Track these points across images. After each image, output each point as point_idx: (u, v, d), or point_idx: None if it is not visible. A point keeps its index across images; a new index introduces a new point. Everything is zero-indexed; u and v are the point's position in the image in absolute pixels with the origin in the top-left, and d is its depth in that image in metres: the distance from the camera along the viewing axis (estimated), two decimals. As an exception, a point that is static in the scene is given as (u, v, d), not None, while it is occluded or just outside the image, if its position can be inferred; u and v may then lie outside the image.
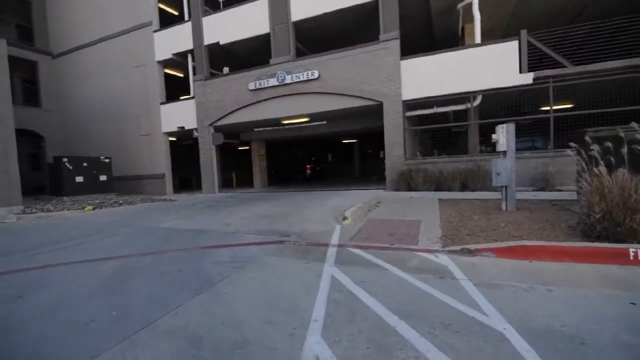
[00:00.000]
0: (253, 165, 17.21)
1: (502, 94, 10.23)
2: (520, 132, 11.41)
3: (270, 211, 8.29)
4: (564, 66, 9.39)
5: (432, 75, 10.62)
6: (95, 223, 8.20)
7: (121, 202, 11.53)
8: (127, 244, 5.78)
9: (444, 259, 4.08)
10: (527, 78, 9.65)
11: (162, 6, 16.42)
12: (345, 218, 6.44)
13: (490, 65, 9.99)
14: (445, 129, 11.47)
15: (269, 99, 13.01)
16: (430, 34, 13.90)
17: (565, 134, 10.04)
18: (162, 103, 15.59)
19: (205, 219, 7.75)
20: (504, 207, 6.56)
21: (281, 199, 10.90)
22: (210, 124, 14.33)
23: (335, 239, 5.24)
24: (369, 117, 13.33)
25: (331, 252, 4.61)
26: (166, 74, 16.42)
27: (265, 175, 17.71)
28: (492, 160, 6.65)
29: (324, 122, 12.62)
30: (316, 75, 11.92)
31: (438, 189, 10.26)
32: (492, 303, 2.90)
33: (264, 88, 12.92)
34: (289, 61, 12.51)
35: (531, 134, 10.83)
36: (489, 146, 10.78)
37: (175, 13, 16.80)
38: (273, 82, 12.67)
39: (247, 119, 13.55)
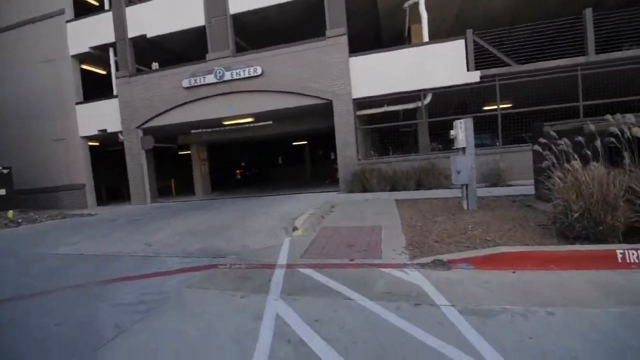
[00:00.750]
0: (193, 171, 15.53)
1: (451, 92, 10.09)
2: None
3: (206, 223, 7.04)
4: (509, 65, 9.48)
5: (383, 73, 10.16)
6: (-30, 253, 6.27)
7: (20, 220, 9.33)
8: (1, 281, 4.24)
9: (415, 276, 3.32)
10: (475, 76, 9.60)
11: (77, -7, 14.16)
12: (295, 228, 5.49)
13: (439, 64, 9.79)
14: (396, 128, 11.10)
15: (206, 97, 11.63)
16: (377, 35, 13.60)
17: (512, 131, 10.19)
18: (78, 103, 13.33)
19: (121, 238, 6.27)
20: (465, 206, 6.11)
21: (223, 206, 9.62)
22: (139, 126, 12.49)
23: (283, 257, 4.26)
24: (319, 117, 12.58)
25: (278, 276, 3.63)
26: (84, 71, 14.15)
27: (208, 181, 16.10)
28: (452, 158, 6.18)
29: (270, 122, 11.59)
30: (259, 71, 10.86)
31: (393, 189, 9.79)
32: (491, 341, 2.15)
33: (201, 85, 11.52)
34: (228, 56, 11.29)
35: (479, 132, 10.89)
36: (440, 144, 10.63)
37: (96, 3, 14.57)
38: (210, 78, 11.34)
39: (182, 120, 12.01)
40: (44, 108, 13.64)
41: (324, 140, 19.26)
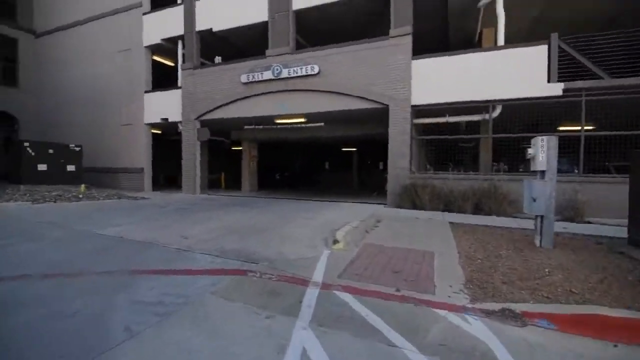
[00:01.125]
0: (242, 167, 15.78)
1: (525, 106, 8.92)
2: None
3: (247, 222, 6.84)
4: (600, 78, 8.12)
5: (447, 79, 9.31)
6: (25, 221, 6.71)
7: (81, 196, 10.02)
8: (39, 256, 4.31)
9: (479, 328, 2.65)
10: (556, 89, 8.37)
11: (156, -12, 15.15)
12: (336, 241, 5.00)
13: (514, 72, 8.71)
14: (455, 142, 10.11)
15: (262, 94, 11.66)
16: (444, 38, 12.67)
17: (596, 157, 8.74)
18: (146, 91, 14.20)
19: (163, 226, 6.27)
20: (538, 242, 5.16)
21: (267, 206, 9.46)
22: (197, 118, 12.92)
23: (319, 273, 3.80)
24: (372, 123, 12.03)
25: (310, 296, 3.18)
26: (155, 62, 15.08)
27: (256, 179, 16.27)
28: (526, 182, 5.27)
29: (322, 124, 11.29)
30: (316, 70, 10.59)
31: (447, 209, 8.88)
32: None
33: (258, 81, 11.57)
34: (287, 53, 11.19)
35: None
36: (506, 164, 9.47)
37: (171, -3, 15.49)
38: (268, 75, 11.33)
39: (237, 115, 12.17)
40: (116, 94, 14.76)
41: (375, 148, 18.57)
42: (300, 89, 11.02)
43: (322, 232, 5.89)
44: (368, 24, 11.60)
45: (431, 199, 9.00)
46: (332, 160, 24.68)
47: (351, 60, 10.27)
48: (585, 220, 7.80)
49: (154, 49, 14.40)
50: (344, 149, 21.74)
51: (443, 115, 9.83)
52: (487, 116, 9.29)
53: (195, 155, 12.98)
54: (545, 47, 8.42)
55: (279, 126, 12.17)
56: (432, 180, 9.34)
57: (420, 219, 7.58)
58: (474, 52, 9.21)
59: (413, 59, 9.63)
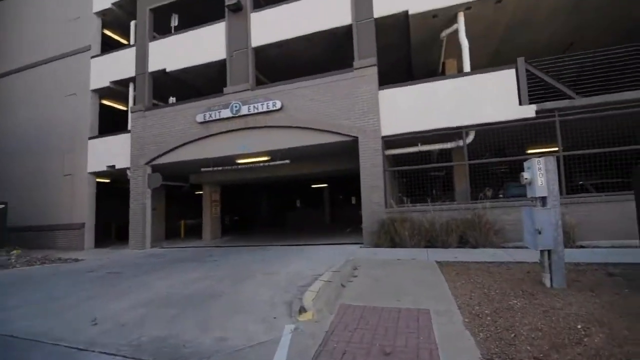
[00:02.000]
0: (203, 213, 14.33)
1: (499, 130, 8.55)
2: (513, 177, 9.70)
3: (191, 286, 5.48)
4: (571, 97, 7.95)
5: (416, 108, 8.87)
6: None
7: (-5, 265, 8.17)
8: None
9: None
10: (529, 111, 8.08)
11: (107, 32, 14.39)
12: (303, 310, 3.80)
13: (485, 97, 8.42)
14: (428, 172, 9.49)
15: (220, 133, 10.71)
16: (408, 71, 12.60)
17: (576, 177, 8.37)
18: (91, 137, 12.82)
19: (71, 306, 4.72)
20: (547, 282, 4.27)
21: (223, 258, 8.10)
22: (147, 163, 11.63)
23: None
24: (341, 157, 11.29)
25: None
26: (106, 107, 13.91)
27: (219, 225, 14.78)
28: (526, 211, 4.49)
29: (287, 161, 10.41)
30: (278, 105, 9.88)
31: (430, 244, 8.00)
32: None
33: (215, 120, 10.66)
34: (246, 90, 10.49)
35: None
36: (489, 191, 8.89)
37: (124, 41, 14.72)
38: (226, 113, 10.48)
39: (193, 157, 11.04)
40: (59, 142, 13.24)
41: (346, 183, 17.85)
42: (261, 126, 10.20)
43: (286, 293, 4.68)
44: (331, 58, 11.26)
45: (411, 234, 8.10)
46: (302, 198, 23.69)
47: (315, 93, 9.69)
48: (577, 244, 7.15)
49: (103, 92, 13.29)
50: (314, 186, 20.90)
51: (415, 145, 9.28)
52: (460, 142, 8.81)
53: (144, 205, 11.49)
54: (513, 70, 8.24)
55: (240, 167, 11.14)
56: (411, 214, 8.50)
57: (403, 259, 6.57)
58: (442, 79, 8.93)
59: (380, 90, 9.19)
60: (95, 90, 13.12)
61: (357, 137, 9.20)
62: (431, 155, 10.16)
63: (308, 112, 9.66)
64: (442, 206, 8.44)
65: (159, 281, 5.98)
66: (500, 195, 9.49)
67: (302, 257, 7.67)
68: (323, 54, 11.20)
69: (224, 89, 10.78)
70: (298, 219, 21.68)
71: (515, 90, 8.23)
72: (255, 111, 10.13)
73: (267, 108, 9.99)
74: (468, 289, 4.42)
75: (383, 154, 9.10)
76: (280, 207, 22.88)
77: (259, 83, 11.08)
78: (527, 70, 8.18)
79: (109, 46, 13.89)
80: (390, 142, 9.26)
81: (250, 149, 10.34)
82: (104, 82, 12.87)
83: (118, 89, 12.94)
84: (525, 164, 4.59)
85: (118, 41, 14.74)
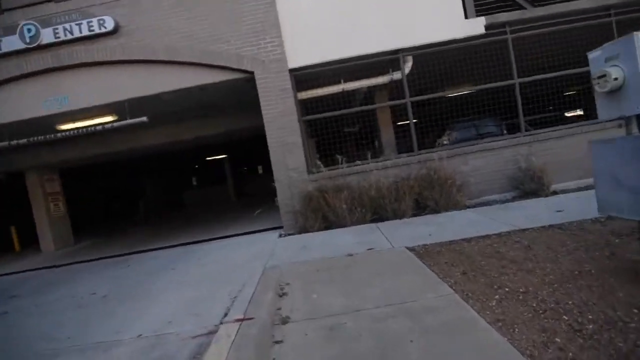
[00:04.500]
0: (35, 214, 9.41)
1: (441, 54, 6.43)
2: (465, 114, 8.00)
3: None
4: (523, 8, 6.18)
5: (334, 27, 6.05)
6: None
7: None
8: None
9: None
10: (477, 26, 6.08)
11: None
12: None
13: (422, 11, 6.06)
14: (338, 127, 7.01)
15: (13, 78, 6.14)
16: None
17: (536, 109, 6.95)
18: None
19: None
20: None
21: (54, 291, 4.35)
22: None
23: None
24: (238, 109, 8.03)
25: None
26: None
27: (66, 227, 10.05)
28: (599, 146, 2.24)
29: (144, 119, 6.52)
30: (110, 26, 5.83)
31: (377, 217, 5.71)
32: None
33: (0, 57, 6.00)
34: (45, 1, 5.99)
35: (482, 114, 7.46)
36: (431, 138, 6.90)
37: None
38: (13, 42, 5.91)
39: (-33, 127, 6.24)
40: None
41: (251, 149, 14.55)
42: (88, 62, 6.04)
43: None
44: None
45: (351, 207, 5.63)
46: (199, 174, 19.53)
47: (176, 1, 5.93)
48: (552, 191, 5.73)
49: None
50: (210, 158, 16.97)
51: (337, 83, 6.58)
52: (394, 75, 6.44)
53: None
54: (454, -32, 5.99)
55: (63, 135, 6.75)
56: (346, 179, 5.98)
57: (354, 254, 4.01)
58: None
59: (278, -4, 5.99)
60: None
61: (252, 72, 5.98)
62: (354, 99, 7.71)
63: (165, 34, 5.93)
64: (386, 162, 6.10)
65: None
66: (445, 142, 7.62)
67: (185, 273, 4.46)
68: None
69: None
70: (197, 199, 17.71)
71: (459, 2, 6.07)
72: (70, 37, 5.87)
73: (91, 31, 5.84)
74: (516, 311, 2.05)
75: (295, 96, 6.17)
76: (172, 188, 18.31)
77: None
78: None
79: None
80: (301, 78, 6.34)
81: (74, 103, 6.15)
82: None
83: None
84: (607, 50, 2.25)
85: None
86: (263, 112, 6.06)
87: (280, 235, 5.75)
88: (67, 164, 9.66)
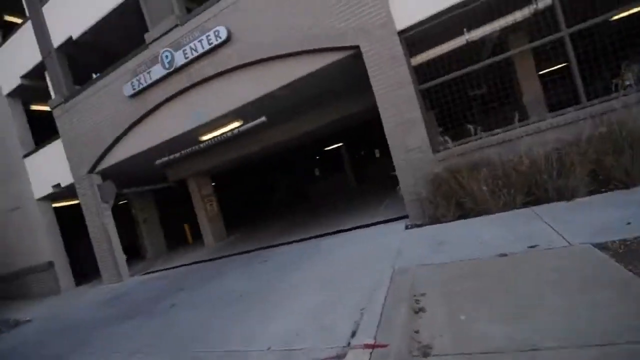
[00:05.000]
0: (197, 214, 11.36)
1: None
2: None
3: None
4: None
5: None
6: None
7: None
8: None
9: None
10: None
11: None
12: None
13: None
14: (462, 91, 5.56)
15: (162, 103, 7.28)
16: None
17: None
18: (26, 155, 9.90)
19: None
20: None
21: (189, 300, 4.99)
22: (91, 171, 8.56)
23: None
24: (349, 91, 7.61)
25: None
26: (37, 113, 10.83)
27: (221, 224, 11.81)
28: None
29: (263, 119, 6.80)
30: (223, 35, 6.16)
31: (533, 199, 4.38)
32: None
33: (149, 86, 7.20)
34: (174, 26, 6.79)
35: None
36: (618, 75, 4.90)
37: (18, 20, 11.12)
38: (159, 71, 6.95)
39: (139, 149, 7.78)
40: (-7, 171, 10.47)
41: (367, 133, 14.09)
42: (212, 75, 6.59)
43: None
44: None
45: (494, 189, 4.47)
46: (321, 165, 20.26)
47: (270, -4, 5.84)
48: None
49: (21, 94, 10.11)
50: (328, 148, 17.31)
51: (458, 34, 5.35)
52: (539, 3, 4.77)
53: (104, 226, 8.56)
54: None
55: (205, 144, 7.72)
56: (483, 152, 4.81)
57: (511, 255, 3.03)
58: None
59: (375, -51, 5.15)
60: (10, 95, 9.97)
61: (357, 47, 5.38)
62: (481, 53, 6.19)
63: (268, 30, 5.89)
64: (539, 124, 4.63)
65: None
66: (628, 83, 5.35)
67: (310, 274, 4.33)
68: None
69: (146, 35, 7.15)
70: (320, 190, 18.36)
71: None
72: (195, 54, 6.49)
73: (210, 44, 6.31)
74: None
75: (408, 63, 5.27)
76: (298, 181, 19.64)
77: (190, 11, 7.23)
78: None
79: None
80: (414, 39, 5.36)
81: (206, 116, 6.85)
82: (15, 81, 9.65)
83: (36, 84, 9.68)
84: None
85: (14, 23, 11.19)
86: (374, 88, 5.41)
87: (406, 227, 5.07)
88: (215, 169, 11.23)
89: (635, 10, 4.78)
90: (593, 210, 3.60)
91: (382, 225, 5.73)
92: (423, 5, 5.01)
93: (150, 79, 7.03)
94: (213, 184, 12.10)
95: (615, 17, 4.83)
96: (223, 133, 7.59)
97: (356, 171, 16.89)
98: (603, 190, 4.10)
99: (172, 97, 7.10)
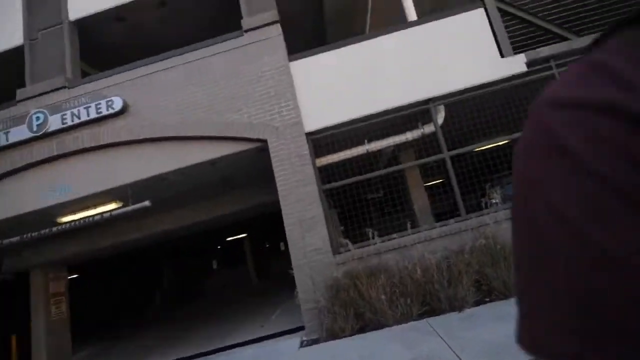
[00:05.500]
0: (33, 320, 8.41)
1: (477, 100, 5.61)
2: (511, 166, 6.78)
3: None
4: (567, 39, 5.45)
5: (353, 83, 5.49)
6: None
7: None
8: None
9: None
10: (517, 64, 5.33)
11: None
12: None
13: (451, 52, 5.47)
14: (360, 195, 6.03)
15: (17, 170, 5.79)
16: (321, 34, 8.97)
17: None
18: None
19: None
20: None
21: None
22: None
23: None
24: (252, 183, 7.30)
25: None
26: None
27: (66, 337, 8.74)
28: None
29: (146, 203, 5.82)
30: (118, 106, 5.53)
31: (428, 307, 4.28)
32: None
33: (4, 148, 5.75)
34: (61, 87, 5.92)
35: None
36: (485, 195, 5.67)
37: None
38: (21, 133, 5.69)
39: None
40: None
41: (271, 224, 13.62)
42: (92, 147, 5.64)
43: None
44: (205, 29, 7.35)
45: (392, 297, 4.26)
46: (219, 256, 18.50)
47: (184, 77, 5.67)
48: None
49: None
50: (230, 238, 16.13)
51: (358, 144, 5.80)
52: (425, 129, 5.59)
53: None
54: (481, 10, 5.51)
55: (61, 227, 6.11)
56: (381, 257, 4.73)
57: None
58: (386, 33, 5.65)
59: (292, 61, 5.61)
60: None
61: (265, 140, 5.32)
62: (378, 162, 6.80)
63: (173, 112, 5.53)
64: (430, 232, 4.86)
65: None
66: (495, 201, 6.30)
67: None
68: (196, 24, 7.28)
69: (18, 91, 6.03)
70: (218, 285, 16.33)
71: (490, 38, 5.46)
72: (77, 121, 5.59)
73: (99, 113, 5.56)
74: None
75: (314, 163, 5.34)
76: (192, 274, 17.23)
77: (86, 76, 6.55)
78: (499, 10, 5.54)
79: None
80: (320, 142, 5.61)
81: (75, 192, 5.59)
82: None
83: None
84: None
85: None
86: (278, 184, 5.21)
87: (301, 344, 4.34)
88: (73, 259, 8.97)
89: (490, 145, 5.90)
90: (481, 323, 3.57)
91: (273, 341, 4.85)
92: (327, 118, 5.39)
93: (8, 140, 5.67)
94: (72, 276, 9.53)
95: (478, 149, 5.87)
96: (89, 216, 6.19)
97: (259, 265, 15.75)
98: (487, 300, 4.23)
99: (33, 165, 5.74)
